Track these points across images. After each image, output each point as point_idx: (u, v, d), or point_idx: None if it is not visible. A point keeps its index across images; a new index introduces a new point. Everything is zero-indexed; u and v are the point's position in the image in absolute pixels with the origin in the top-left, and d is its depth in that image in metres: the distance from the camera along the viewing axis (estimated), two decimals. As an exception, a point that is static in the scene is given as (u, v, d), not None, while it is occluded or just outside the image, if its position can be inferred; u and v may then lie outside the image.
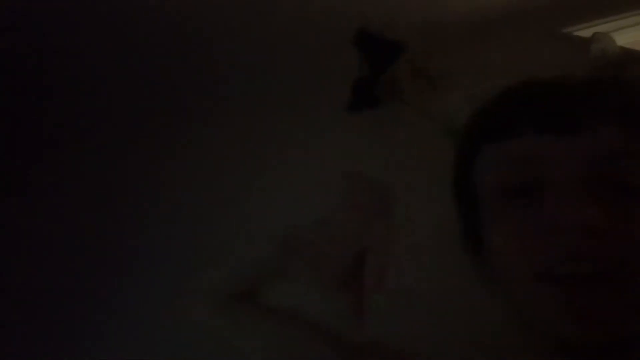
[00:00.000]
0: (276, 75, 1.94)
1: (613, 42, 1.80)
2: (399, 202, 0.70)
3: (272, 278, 0.71)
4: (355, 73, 1.76)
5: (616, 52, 1.79)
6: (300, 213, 1.78)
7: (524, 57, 1.65)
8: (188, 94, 2.03)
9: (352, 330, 0.62)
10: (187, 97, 2.04)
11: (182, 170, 2.04)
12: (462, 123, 0.59)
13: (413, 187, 1.42)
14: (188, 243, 1.93)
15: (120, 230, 2.00)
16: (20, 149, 2.09)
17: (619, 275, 0.43)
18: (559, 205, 0.44)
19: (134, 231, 2.00)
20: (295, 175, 1.87)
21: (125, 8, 1.64)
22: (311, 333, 0.68)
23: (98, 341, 1.92)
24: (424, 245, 1.47)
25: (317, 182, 1.88)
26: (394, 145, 1.66)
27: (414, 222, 1.39)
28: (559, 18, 1.84)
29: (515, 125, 0.48)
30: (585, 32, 1.89)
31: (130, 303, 1.96)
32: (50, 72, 1.89)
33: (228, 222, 1.91)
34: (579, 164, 0.45)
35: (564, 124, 0.47)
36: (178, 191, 2.03)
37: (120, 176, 2.06)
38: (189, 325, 1.80)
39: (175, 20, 1.74)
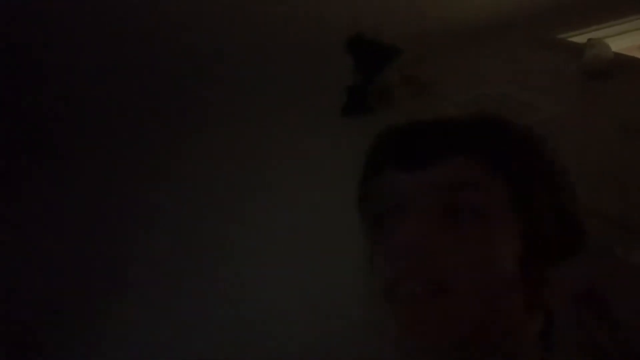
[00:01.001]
0: (270, 80, 1.95)
1: (608, 47, 1.81)
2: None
3: None
4: (349, 78, 1.77)
5: (610, 57, 1.78)
6: (300, 213, 1.82)
7: (516, 64, 1.65)
8: (186, 97, 2.04)
9: None
10: (185, 100, 2.05)
11: (182, 171, 2.05)
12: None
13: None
14: (188, 244, 1.94)
15: (121, 231, 2.00)
16: (20, 149, 2.10)
17: (447, 291, 0.49)
18: (394, 230, 0.52)
19: (134, 231, 2.00)
20: (292, 178, 1.88)
21: (126, 11, 1.65)
22: None
23: (98, 342, 1.92)
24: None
25: (316, 184, 1.91)
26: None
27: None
28: (553, 25, 1.84)
29: (380, 164, 0.57)
30: (579, 38, 1.89)
31: (129, 303, 1.96)
32: (50, 72, 1.90)
33: (228, 223, 1.92)
34: (425, 194, 0.53)
35: (413, 161, 0.55)
36: (178, 192, 2.04)
37: (120, 178, 2.06)
38: (188, 327, 1.83)
39: (174, 26, 1.76)
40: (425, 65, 1.69)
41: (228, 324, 1.79)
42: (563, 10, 1.77)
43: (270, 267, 1.85)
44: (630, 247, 1.11)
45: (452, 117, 0.60)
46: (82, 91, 2.02)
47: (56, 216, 2.08)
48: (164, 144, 2.10)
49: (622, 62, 1.79)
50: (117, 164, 2.11)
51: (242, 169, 1.99)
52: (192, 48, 1.86)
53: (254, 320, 1.79)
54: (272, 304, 1.78)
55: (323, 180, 1.81)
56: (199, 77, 2.00)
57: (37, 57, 1.83)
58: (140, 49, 1.86)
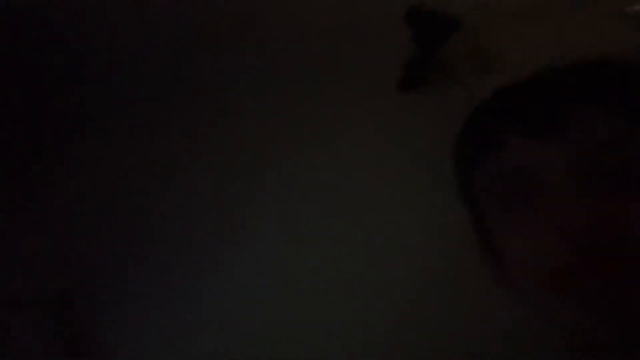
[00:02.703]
0: (325, 55, 1.92)
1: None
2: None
3: None
4: (408, 51, 1.73)
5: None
6: (354, 193, 1.80)
7: (580, 36, 1.59)
8: (193, 92, 2.03)
9: None
10: (192, 94, 2.03)
11: (186, 168, 2.02)
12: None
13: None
14: (189, 244, 1.93)
15: (123, 230, 1.98)
16: (22, 145, 2.07)
17: (628, 266, 0.43)
18: (559, 213, 0.44)
19: (136, 231, 1.98)
20: (347, 153, 1.86)
21: (128, 7, 1.63)
22: None
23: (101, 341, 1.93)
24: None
25: (371, 163, 1.88)
26: (444, 126, 1.63)
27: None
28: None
29: (501, 135, 0.48)
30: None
31: (133, 298, 1.96)
32: (51, 72, 1.90)
33: (235, 221, 1.91)
34: (568, 162, 0.45)
35: (545, 126, 0.46)
36: (182, 191, 2.02)
37: (123, 176, 2.03)
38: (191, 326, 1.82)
39: (179, 19, 1.74)
40: (489, 37, 1.65)
41: (230, 325, 1.81)
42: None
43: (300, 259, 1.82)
44: None
45: (559, 67, 0.50)
46: (83, 90, 2.02)
47: (55, 214, 2.06)
48: (167, 141, 2.05)
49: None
50: (119, 164, 2.07)
51: (292, 147, 1.95)
52: (232, 22, 1.84)
53: (259, 322, 1.78)
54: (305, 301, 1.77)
55: (379, 159, 1.79)
56: (242, 51, 1.96)
57: (34, 50, 1.83)
58: (143, 46, 1.84)
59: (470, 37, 1.65)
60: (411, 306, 1.68)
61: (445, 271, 1.63)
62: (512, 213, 0.48)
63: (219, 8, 1.78)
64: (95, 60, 1.91)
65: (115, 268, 1.96)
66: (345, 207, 1.83)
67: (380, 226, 1.77)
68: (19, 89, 1.94)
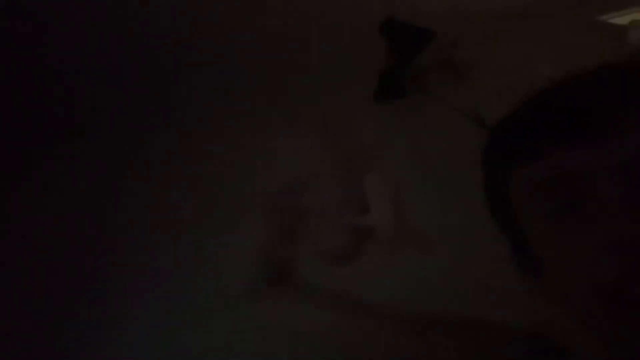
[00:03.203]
0: (300, 66, 1.93)
1: (651, 29, 1.74)
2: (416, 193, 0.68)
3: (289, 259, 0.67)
4: (382, 63, 1.74)
5: (655, 40, 1.72)
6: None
7: (556, 47, 1.60)
8: (193, 94, 2.02)
9: None
10: (192, 97, 2.03)
11: (186, 169, 2.02)
12: (491, 116, 0.58)
13: (437, 178, 1.40)
14: (189, 245, 1.93)
15: (123, 231, 1.98)
16: (23, 147, 2.09)
17: None
18: (608, 223, 0.42)
19: (136, 231, 1.98)
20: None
21: (131, 6, 1.63)
22: (357, 313, 0.66)
23: (99, 342, 1.92)
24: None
25: None
26: (418, 136, 1.63)
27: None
28: (595, 5, 1.78)
29: (541, 145, 0.46)
30: (621, 19, 1.83)
31: (131, 302, 1.95)
32: (54, 69, 1.89)
33: (233, 221, 1.89)
34: (615, 171, 0.42)
35: (589, 134, 0.44)
36: (181, 191, 2.01)
37: (123, 177, 2.02)
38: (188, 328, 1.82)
39: (181, 20, 1.73)
40: (461, 48, 1.65)
41: (232, 327, 1.79)
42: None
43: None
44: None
45: (579, 75, 0.48)
46: (85, 92, 2.01)
47: (56, 214, 2.06)
48: (168, 143, 2.05)
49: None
50: (119, 165, 2.08)
51: (255, 163, 1.95)
52: (210, 32, 1.84)
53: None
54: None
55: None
56: (220, 64, 1.97)
57: (39, 51, 1.82)
58: (145, 46, 1.84)
59: (443, 48, 1.65)
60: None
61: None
62: (559, 222, 0.45)
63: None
64: (94, 61, 1.90)
65: (113, 268, 1.95)
66: None
67: None
68: (16, 88, 1.92)
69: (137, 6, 1.64)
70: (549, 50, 1.59)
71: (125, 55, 1.87)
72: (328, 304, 0.73)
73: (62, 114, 2.08)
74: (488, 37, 1.67)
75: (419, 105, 1.68)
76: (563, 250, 0.45)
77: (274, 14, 1.79)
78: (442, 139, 1.56)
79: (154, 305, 1.90)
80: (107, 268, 1.94)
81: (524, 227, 0.49)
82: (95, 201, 2.05)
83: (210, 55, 1.94)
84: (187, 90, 2.06)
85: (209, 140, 2.04)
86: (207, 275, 1.86)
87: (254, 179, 1.88)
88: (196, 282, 1.87)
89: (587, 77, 0.48)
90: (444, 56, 1.65)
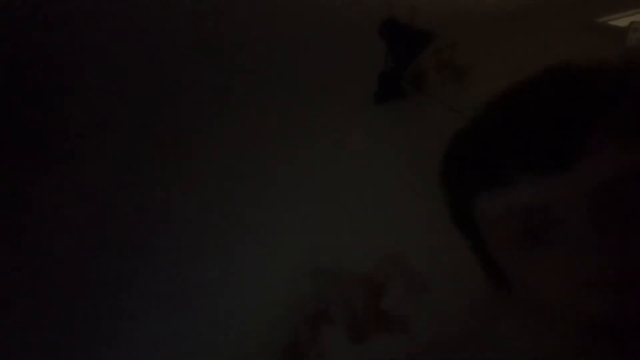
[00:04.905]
0: (301, 67, 1.93)
1: (651, 31, 1.74)
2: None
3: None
4: (381, 64, 1.74)
5: (654, 42, 1.72)
6: (333, 204, 1.80)
7: (555, 48, 1.60)
8: (195, 95, 2.02)
9: None
10: (194, 98, 2.03)
11: (189, 171, 2.02)
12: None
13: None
14: (193, 247, 1.93)
15: (125, 235, 1.98)
16: (24, 153, 2.09)
17: None
18: (575, 250, 0.40)
19: (138, 235, 1.98)
20: (320, 167, 1.86)
21: (130, 7, 1.63)
22: None
23: (101, 344, 1.92)
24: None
25: (349, 173, 1.89)
26: (417, 138, 1.63)
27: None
28: (594, 7, 1.78)
29: (507, 172, 0.43)
30: (621, 21, 1.83)
31: (134, 305, 1.95)
32: (51, 76, 1.90)
33: (235, 223, 1.90)
34: (582, 198, 0.40)
35: (555, 161, 0.41)
36: (184, 194, 2.02)
37: (125, 179, 2.04)
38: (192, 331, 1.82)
39: (182, 21, 1.74)
40: (461, 50, 1.65)
41: (235, 326, 1.79)
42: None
43: (290, 262, 1.83)
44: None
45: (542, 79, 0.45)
46: (86, 95, 2.01)
47: (59, 216, 2.06)
48: (170, 146, 2.06)
49: (667, 46, 1.72)
50: (121, 167, 2.08)
51: (270, 160, 1.97)
52: (213, 35, 1.84)
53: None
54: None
55: (357, 169, 1.79)
56: (220, 64, 1.97)
57: (39, 53, 1.83)
58: (146, 48, 1.84)
59: (443, 49, 1.65)
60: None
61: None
62: (523, 250, 0.43)
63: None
64: (94, 62, 1.90)
65: (115, 273, 1.94)
66: (314, 227, 1.83)
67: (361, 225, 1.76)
68: (14, 91, 1.92)
69: (138, 7, 1.64)
70: (548, 52, 1.58)
71: (125, 57, 1.87)
72: None
73: (61, 117, 2.08)
74: (487, 38, 1.67)
75: (418, 106, 1.68)
76: (535, 278, 0.43)
77: (273, 16, 1.79)
78: (442, 140, 1.56)
79: (155, 310, 1.90)
80: (106, 272, 1.94)
81: (487, 243, 0.47)
82: (94, 203, 2.05)
83: (211, 58, 1.94)
84: (187, 93, 2.06)
85: (210, 144, 2.03)
86: (202, 277, 1.87)
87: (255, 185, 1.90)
88: (189, 284, 1.88)
89: (545, 86, 0.45)
90: (443, 58, 1.64)
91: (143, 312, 1.92)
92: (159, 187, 2.02)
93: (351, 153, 1.85)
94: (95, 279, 1.96)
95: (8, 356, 1.92)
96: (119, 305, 1.93)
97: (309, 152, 1.91)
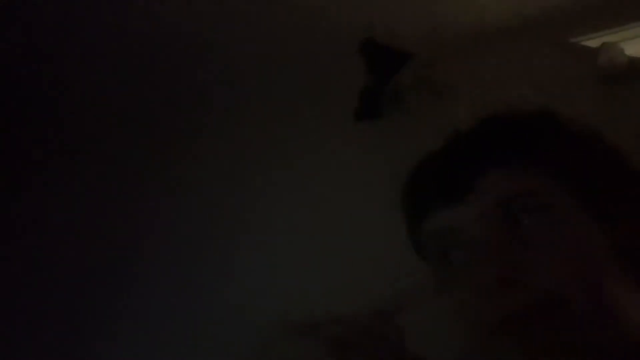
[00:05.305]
0: (280, 84, 1.94)
1: (622, 51, 1.79)
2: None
3: None
4: (361, 82, 1.76)
5: (625, 62, 1.77)
6: (312, 218, 1.80)
7: (530, 67, 1.64)
8: (192, 102, 2.03)
9: None
10: (190, 105, 2.04)
11: (187, 175, 2.03)
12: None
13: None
14: (191, 249, 1.93)
15: (125, 238, 1.99)
16: (25, 153, 2.08)
17: (560, 307, 0.46)
18: (469, 268, 0.50)
19: (138, 237, 1.99)
20: (304, 183, 1.87)
21: (128, 13, 1.64)
22: None
23: (101, 342, 1.91)
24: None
25: (328, 189, 1.90)
26: (397, 156, 1.65)
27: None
28: (567, 28, 1.82)
29: (427, 202, 0.55)
30: (593, 42, 1.88)
31: (133, 304, 1.95)
32: (51, 79, 1.89)
33: (232, 227, 1.90)
34: (475, 223, 0.50)
35: (452, 194, 0.52)
36: (182, 197, 2.03)
37: (124, 183, 2.05)
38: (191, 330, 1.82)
39: (180, 28, 1.75)
40: (438, 68, 1.68)
41: (234, 326, 1.78)
42: (577, 14, 1.75)
43: (279, 274, 1.84)
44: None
45: (479, 121, 0.56)
46: (85, 99, 2.01)
47: (60, 216, 2.06)
48: (169, 147, 2.07)
49: (638, 66, 1.77)
50: (120, 171, 2.09)
51: (251, 174, 1.97)
52: (198, 51, 1.85)
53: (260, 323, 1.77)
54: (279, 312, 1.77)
55: (336, 185, 1.80)
56: (205, 81, 1.98)
57: (37, 57, 1.82)
58: (144, 53, 1.85)
59: (421, 68, 1.68)
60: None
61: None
62: (442, 270, 0.53)
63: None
64: (96, 63, 1.89)
65: (117, 273, 1.95)
66: (296, 242, 1.84)
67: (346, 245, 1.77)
68: (14, 91, 1.91)
69: (141, 8, 1.64)
70: (524, 71, 1.62)
71: (125, 58, 1.87)
72: None
73: (63, 118, 2.07)
74: (464, 57, 1.71)
75: (398, 124, 1.71)
76: (454, 291, 0.52)
77: (256, 32, 1.81)
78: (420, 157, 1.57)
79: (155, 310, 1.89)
80: (108, 271, 1.95)
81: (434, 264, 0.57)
82: (96, 204, 2.04)
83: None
84: (191, 96, 2.06)
85: (213, 146, 2.03)
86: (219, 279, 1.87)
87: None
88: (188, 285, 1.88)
89: (472, 134, 0.56)
90: (421, 76, 1.67)
91: (140, 311, 1.91)
92: (154, 190, 2.01)
93: (331, 170, 1.86)
94: (93, 279, 1.95)
95: (7, 356, 1.89)
96: (116, 304, 1.92)
97: (288, 170, 1.92)
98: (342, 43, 1.73)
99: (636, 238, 0.50)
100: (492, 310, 0.47)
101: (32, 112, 2.01)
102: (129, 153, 2.07)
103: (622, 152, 0.55)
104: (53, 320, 1.99)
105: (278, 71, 1.93)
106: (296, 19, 1.74)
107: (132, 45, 1.81)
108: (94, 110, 2.05)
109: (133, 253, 1.97)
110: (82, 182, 2.08)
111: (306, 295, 1.68)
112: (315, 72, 1.85)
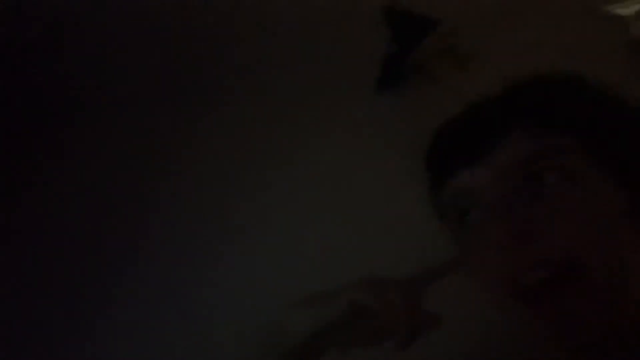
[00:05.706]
0: (302, 53, 1.92)
1: (656, 21, 1.73)
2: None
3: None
4: (380, 53, 1.73)
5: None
6: (334, 194, 1.79)
7: (559, 36, 1.59)
8: (191, 93, 2.02)
9: None
10: (189, 97, 2.03)
11: (186, 170, 2.01)
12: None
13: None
14: (190, 246, 1.92)
15: (121, 233, 1.97)
16: (21, 148, 2.08)
17: (577, 273, 0.46)
18: (486, 226, 0.50)
19: (135, 232, 1.97)
20: (325, 157, 1.85)
21: (128, 7, 1.63)
22: None
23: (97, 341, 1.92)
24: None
25: (350, 161, 1.88)
26: (422, 124, 1.62)
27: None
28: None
29: (449, 165, 0.56)
30: (627, 10, 1.82)
31: (133, 304, 1.95)
32: (49, 73, 1.90)
33: (233, 222, 1.88)
34: (496, 182, 0.51)
35: (470, 155, 0.53)
36: (182, 192, 2.00)
37: (122, 177, 2.02)
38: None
39: (179, 20, 1.73)
40: (465, 36, 1.65)
41: (231, 325, 1.79)
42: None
43: (297, 254, 1.82)
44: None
45: (506, 87, 0.57)
46: (82, 92, 2.01)
47: (56, 215, 2.05)
48: (173, 132, 2.04)
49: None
50: (118, 164, 2.05)
51: (267, 151, 1.94)
52: (209, 24, 1.83)
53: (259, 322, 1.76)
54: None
55: (358, 157, 1.78)
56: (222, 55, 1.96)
57: (37, 57, 1.82)
58: (143, 46, 1.84)
59: (447, 36, 1.65)
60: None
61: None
62: (462, 231, 0.54)
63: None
64: (96, 54, 1.89)
65: (109, 269, 1.92)
66: (330, 206, 1.82)
67: (367, 222, 1.75)
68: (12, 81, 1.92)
69: (137, 8, 1.64)
70: (552, 38, 1.58)
71: (123, 54, 1.87)
72: None
73: (62, 108, 2.07)
74: (489, 25, 1.67)
75: (422, 92, 1.68)
76: (472, 251, 0.53)
77: (274, 4, 1.79)
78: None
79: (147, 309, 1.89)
80: (105, 267, 1.92)
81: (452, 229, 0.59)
82: (94, 196, 2.03)
83: (213, 47, 1.93)
84: (190, 83, 2.04)
85: (214, 134, 2.02)
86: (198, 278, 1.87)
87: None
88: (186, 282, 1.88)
89: (494, 99, 0.58)
90: (445, 45, 1.64)
91: (140, 311, 1.91)
92: (154, 190, 2.00)
93: (352, 139, 1.83)
94: (93, 279, 1.96)
95: (7, 356, 1.93)
96: (116, 304, 1.93)
97: (308, 138, 1.90)
98: (364, 11, 1.71)
99: None
100: (508, 267, 0.48)
101: (32, 112, 2.01)
102: (126, 152, 2.05)
103: None
104: (45, 320, 1.99)
105: (296, 41, 1.90)
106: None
107: (131, 43, 1.81)
108: (93, 109, 2.04)
109: (133, 253, 1.95)
110: (81, 182, 2.06)
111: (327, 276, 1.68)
112: (340, 39, 1.83)
